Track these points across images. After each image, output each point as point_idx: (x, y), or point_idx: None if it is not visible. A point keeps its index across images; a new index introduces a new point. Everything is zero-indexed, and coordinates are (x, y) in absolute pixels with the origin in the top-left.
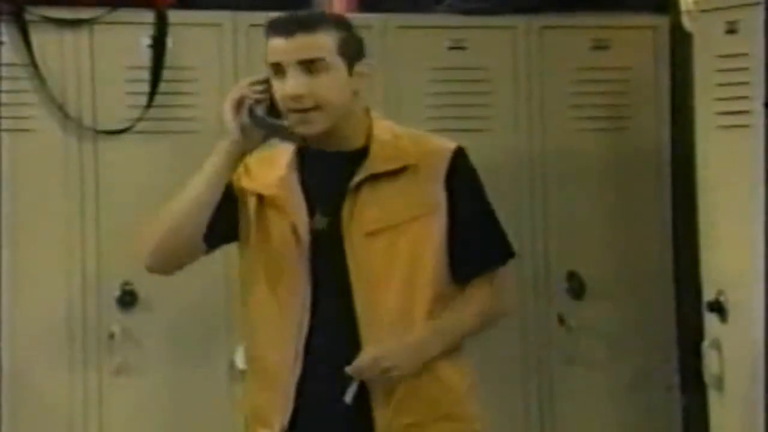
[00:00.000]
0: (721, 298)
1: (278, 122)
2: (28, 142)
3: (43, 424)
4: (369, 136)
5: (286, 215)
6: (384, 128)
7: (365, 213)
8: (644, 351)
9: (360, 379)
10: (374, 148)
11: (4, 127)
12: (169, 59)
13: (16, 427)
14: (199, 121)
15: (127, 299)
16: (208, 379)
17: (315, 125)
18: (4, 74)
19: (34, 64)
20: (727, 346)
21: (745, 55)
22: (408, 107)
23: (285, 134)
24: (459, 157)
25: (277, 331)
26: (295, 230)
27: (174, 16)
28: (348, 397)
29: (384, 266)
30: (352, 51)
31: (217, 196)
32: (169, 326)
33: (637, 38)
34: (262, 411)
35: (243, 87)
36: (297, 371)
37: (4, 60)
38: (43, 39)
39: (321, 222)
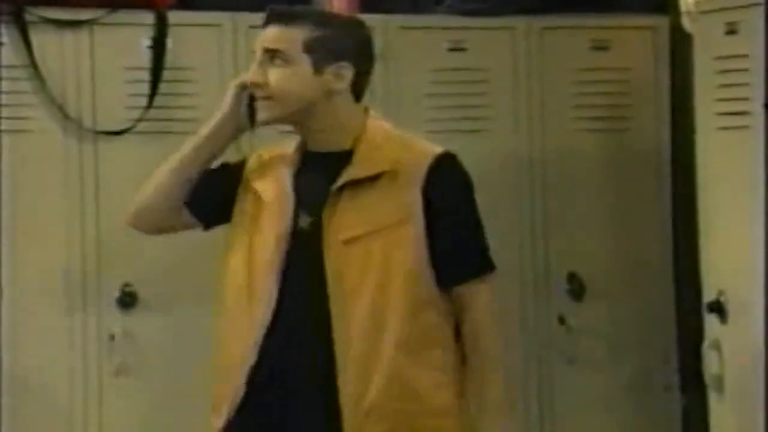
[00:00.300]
0: (721, 299)
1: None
2: (28, 142)
3: (43, 425)
4: (357, 138)
5: (272, 215)
6: (376, 130)
7: (345, 218)
8: (644, 352)
9: None
10: (359, 152)
11: (4, 127)
12: (169, 60)
13: (16, 427)
14: (199, 122)
15: (128, 300)
16: (208, 380)
17: (263, 113)
18: (3, 75)
19: (34, 65)
20: (727, 347)
21: (745, 56)
22: (408, 108)
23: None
24: (440, 163)
25: (243, 325)
26: (277, 230)
27: (174, 17)
28: None
29: (359, 272)
30: (324, 50)
31: (202, 159)
32: (169, 327)
33: (637, 39)
34: (216, 399)
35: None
36: (250, 362)
37: (4, 61)
38: (43, 40)
39: (305, 221)
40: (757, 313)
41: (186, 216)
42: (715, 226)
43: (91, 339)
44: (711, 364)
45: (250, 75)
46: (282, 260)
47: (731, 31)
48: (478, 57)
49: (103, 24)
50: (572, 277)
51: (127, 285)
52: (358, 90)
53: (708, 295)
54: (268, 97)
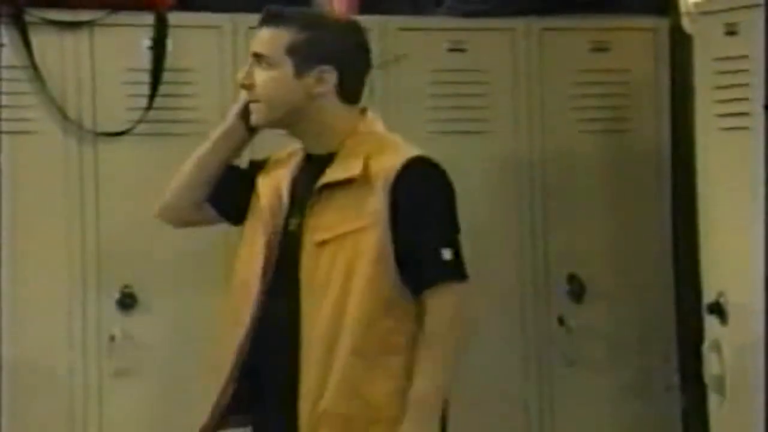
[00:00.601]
0: (721, 300)
1: None
2: (28, 144)
3: (43, 426)
4: (341, 142)
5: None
6: (364, 134)
7: (320, 220)
8: (644, 352)
9: None
10: (340, 155)
11: (4, 129)
12: (169, 61)
13: (16, 428)
14: (199, 123)
15: (127, 302)
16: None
17: (253, 115)
18: (4, 76)
19: (34, 66)
20: (728, 348)
21: (745, 57)
22: (408, 109)
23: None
24: (408, 167)
25: (232, 326)
26: (268, 232)
27: (174, 18)
28: None
29: (325, 275)
30: (307, 54)
31: (218, 159)
32: (168, 329)
33: (637, 40)
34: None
35: None
36: (231, 364)
37: (4, 62)
38: (43, 41)
39: (294, 223)
40: (757, 314)
41: (209, 212)
42: (715, 228)
43: (91, 340)
44: (711, 365)
45: (238, 77)
46: (270, 262)
47: (731, 32)
48: (478, 58)
49: (103, 25)
50: (572, 278)
51: (126, 286)
52: (348, 93)
53: (708, 297)
54: (256, 100)
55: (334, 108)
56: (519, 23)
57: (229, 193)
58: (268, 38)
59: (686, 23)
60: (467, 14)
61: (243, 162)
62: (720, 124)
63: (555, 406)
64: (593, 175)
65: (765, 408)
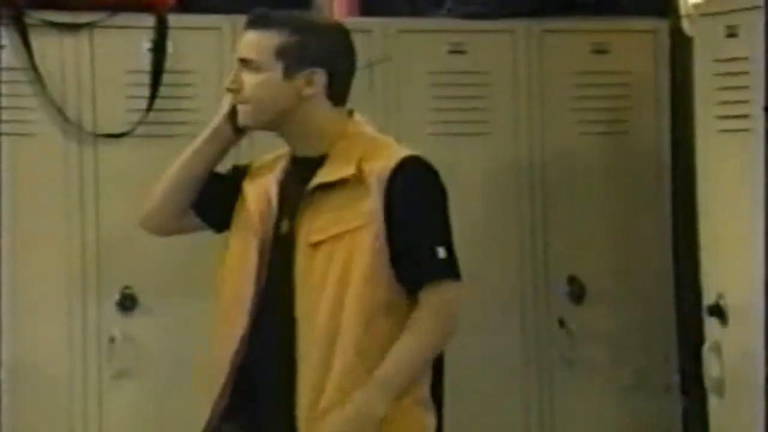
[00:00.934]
0: (722, 302)
1: None
2: (28, 145)
3: (43, 428)
4: (332, 144)
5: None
6: (354, 135)
7: (314, 221)
8: (644, 354)
9: None
10: (332, 156)
11: (4, 131)
12: (169, 63)
13: (16, 430)
14: (199, 125)
15: (127, 303)
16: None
17: (242, 118)
18: (4, 78)
19: (34, 68)
20: (728, 350)
21: (745, 58)
22: (408, 111)
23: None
24: (401, 167)
25: (226, 332)
26: (258, 236)
27: (174, 20)
28: None
29: (321, 277)
30: (296, 56)
31: (202, 164)
32: (168, 330)
33: (637, 42)
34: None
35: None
36: (227, 370)
37: (5, 64)
38: (44, 43)
39: (285, 226)
40: (757, 316)
41: (193, 219)
42: (715, 229)
43: (91, 342)
44: (711, 367)
45: (226, 82)
46: (262, 267)
47: (731, 34)
48: (478, 60)
49: (103, 27)
50: (572, 280)
51: (126, 288)
52: (336, 94)
53: (708, 299)
54: (244, 103)
55: (323, 110)
56: (519, 25)
57: (213, 200)
58: (256, 42)
59: (686, 25)
60: (467, 16)
61: (225, 167)
62: (720, 126)
63: (555, 408)
64: (593, 177)
65: (765, 410)
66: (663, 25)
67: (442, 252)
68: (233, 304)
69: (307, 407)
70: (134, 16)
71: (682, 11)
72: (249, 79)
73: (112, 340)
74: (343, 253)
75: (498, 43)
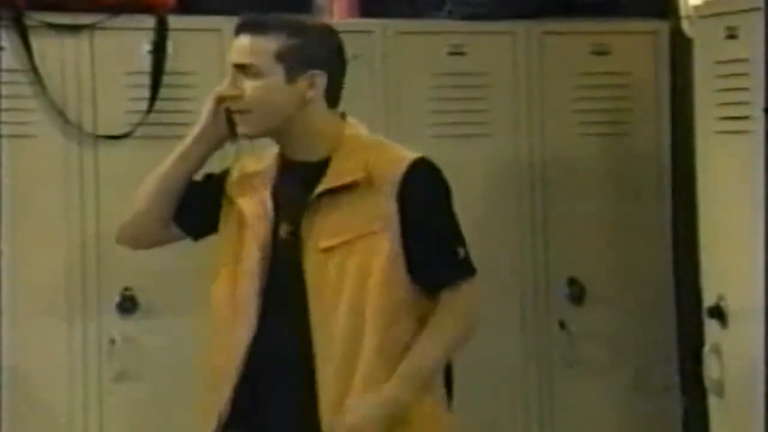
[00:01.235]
0: (722, 304)
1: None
2: (28, 147)
3: (43, 430)
4: (334, 146)
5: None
6: (353, 137)
7: (323, 227)
8: (644, 356)
9: None
10: (336, 160)
11: (4, 132)
12: (169, 64)
13: None
14: None
15: (128, 306)
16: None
17: (244, 127)
18: (4, 79)
19: (34, 70)
20: (728, 352)
21: (745, 60)
22: (408, 113)
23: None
24: (414, 169)
25: (228, 340)
26: (258, 243)
27: (174, 21)
28: None
29: (336, 281)
30: (297, 59)
31: (183, 172)
32: (169, 333)
33: (637, 43)
34: (205, 413)
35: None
36: (237, 375)
37: (5, 65)
38: (44, 44)
39: (285, 231)
40: (757, 317)
41: (174, 229)
42: (716, 231)
43: (91, 344)
44: (711, 368)
45: (224, 89)
46: (263, 273)
47: (731, 35)
48: (478, 61)
49: (104, 28)
50: (572, 282)
51: (127, 290)
52: (332, 96)
53: (708, 300)
54: (246, 111)
55: (321, 112)
56: (519, 26)
57: (193, 208)
58: (254, 47)
59: (686, 26)
60: (467, 17)
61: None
62: (720, 127)
63: (555, 409)
64: (593, 178)
65: (765, 410)
66: (663, 27)
67: (462, 252)
68: (232, 309)
69: (331, 409)
70: (134, 17)
71: (683, 12)
72: (249, 85)
73: (112, 342)
74: (359, 257)
75: (498, 45)
